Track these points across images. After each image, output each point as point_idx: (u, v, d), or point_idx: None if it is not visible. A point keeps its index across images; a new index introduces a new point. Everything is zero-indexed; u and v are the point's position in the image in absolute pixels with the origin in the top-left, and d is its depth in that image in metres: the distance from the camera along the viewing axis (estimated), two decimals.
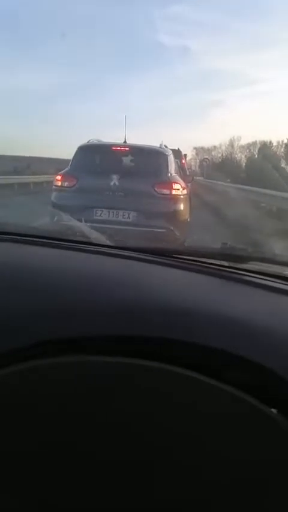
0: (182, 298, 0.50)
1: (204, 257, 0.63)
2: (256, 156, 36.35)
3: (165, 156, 4.50)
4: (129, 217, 4.07)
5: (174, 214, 4.11)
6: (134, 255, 0.61)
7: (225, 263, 0.62)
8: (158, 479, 0.42)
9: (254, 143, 39.05)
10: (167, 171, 4.39)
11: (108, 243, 0.69)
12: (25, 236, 0.70)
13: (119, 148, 4.63)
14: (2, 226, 0.79)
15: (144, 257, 0.60)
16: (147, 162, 4.47)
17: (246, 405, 0.41)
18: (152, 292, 0.51)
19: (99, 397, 0.43)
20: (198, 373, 0.42)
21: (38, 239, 0.68)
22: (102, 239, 0.70)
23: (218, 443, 0.42)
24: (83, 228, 0.72)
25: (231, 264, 0.61)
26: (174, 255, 0.63)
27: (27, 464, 0.43)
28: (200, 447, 0.42)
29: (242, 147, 42.69)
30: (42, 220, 5.00)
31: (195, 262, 0.61)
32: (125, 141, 5.10)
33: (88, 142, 4.75)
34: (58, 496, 0.43)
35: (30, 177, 17.39)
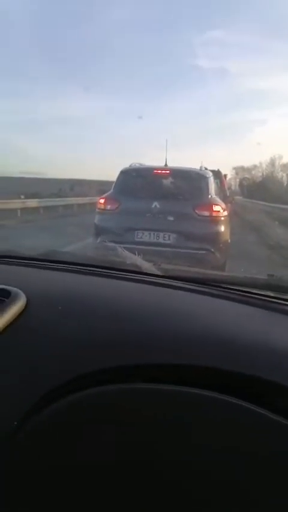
0: (230, 329, 0.54)
1: (250, 287, 0.66)
2: None
3: (206, 179, 4.55)
4: (169, 239, 4.11)
5: (214, 236, 4.11)
6: (184, 286, 0.65)
7: (271, 293, 0.65)
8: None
9: None
10: (208, 193, 4.42)
11: (157, 272, 0.73)
12: (79, 265, 0.77)
13: (160, 171, 4.72)
14: (57, 255, 0.87)
15: (194, 288, 0.65)
16: (188, 184, 4.53)
17: None
18: (203, 324, 0.54)
19: (163, 425, 0.45)
20: (250, 403, 0.44)
21: (90, 268, 0.74)
22: (153, 269, 0.75)
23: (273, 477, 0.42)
24: (134, 259, 0.78)
25: (277, 295, 0.64)
26: (221, 285, 0.67)
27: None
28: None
29: (284, 165, 42.06)
30: (87, 241, 5.21)
31: (242, 293, 0.64)
32: (165, 164, 5.19)
33: (130, 166, 4.89)
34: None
35: (73, 199, 18.25)
